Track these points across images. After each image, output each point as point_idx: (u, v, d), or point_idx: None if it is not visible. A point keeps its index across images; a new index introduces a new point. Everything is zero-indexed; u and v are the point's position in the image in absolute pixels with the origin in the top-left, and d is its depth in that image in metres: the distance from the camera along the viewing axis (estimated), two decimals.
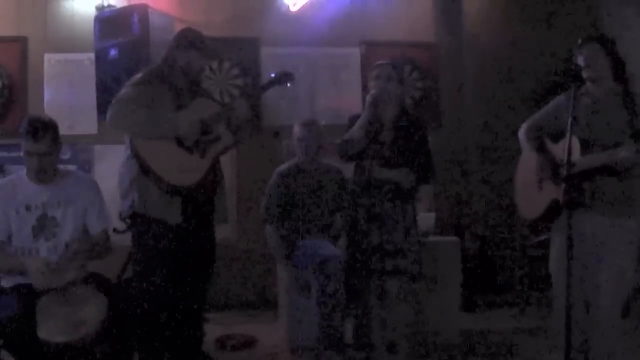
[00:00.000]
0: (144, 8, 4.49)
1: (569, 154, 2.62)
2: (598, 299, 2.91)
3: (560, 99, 3.13)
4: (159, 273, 3.20)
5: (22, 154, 2.95)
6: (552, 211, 3.00)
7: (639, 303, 4.34)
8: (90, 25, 4.81)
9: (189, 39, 3.36)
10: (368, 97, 3.51)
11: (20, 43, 5.23)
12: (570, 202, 2.61)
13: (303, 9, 5.51)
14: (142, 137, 3.15)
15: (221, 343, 4.18)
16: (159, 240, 3.22)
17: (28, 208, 2.96)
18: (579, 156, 2.82)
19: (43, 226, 2.97)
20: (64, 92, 5.28)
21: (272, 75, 3.52)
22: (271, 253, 4.23)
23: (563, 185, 2.62)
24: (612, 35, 3.19)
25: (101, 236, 3.11)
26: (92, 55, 4.80)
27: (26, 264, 2.86)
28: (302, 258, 3.94)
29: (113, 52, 4.54)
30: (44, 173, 2.96)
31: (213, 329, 4.18)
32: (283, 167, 4.27)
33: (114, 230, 3.46)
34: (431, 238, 4.40)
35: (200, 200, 3.30)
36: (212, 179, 3.36)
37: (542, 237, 3.25)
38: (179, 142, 3.19)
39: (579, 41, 3.01)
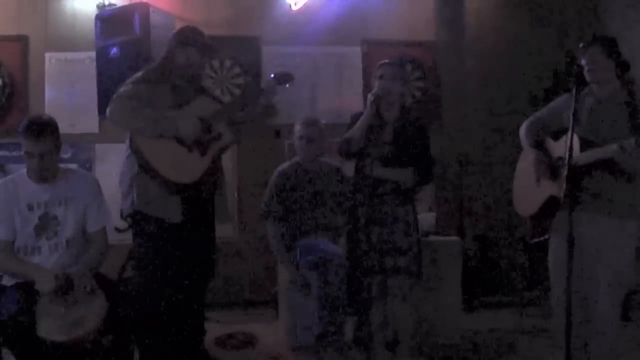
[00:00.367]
0: (145, 6, 4.49)
1: (571, 151, 2.63)
2: (597, 299, 2.91)
3: (563, 98, 3.14)
4: (159, 271, 3.20)
5: (22, 153, 2.95)
6: (549, 207, 3.01)
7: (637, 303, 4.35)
8: (91, 24, 4.81)
9: (188, 37, 3.36)
10: (370, 96, 3.51)
11: (21, 42, 5.23)
12: (571, 198, 2.61)
13: (304, 8, 5.51)
14: (143, 135, 3.15)
15: (221, 342, 4.18)
16: (160, 239, 3.22)
17: (30, 207, 2.96)
18: (578, 153, 2.83)
19: (45, 225, 2.97)
20: (65, 91, 5.27)
21: (272, 75, 3.54)
22: (272, 251, 4.23)
23: (563, 182, 2.62)
24: (614, 35, 3.20)
25: (99, 234, 3.10)
26: (93, 54, 4.80)
27: (35, 275, 2.84)
28: (302, 257, 3.94)
29: (114, 51, 4.53)
30: (45, 173, 2.95)
31: (213, 328, 4.18)
32: (284, 165, 4.27)
33: (115, 229, 3.47)
34: (432, 238, 4.40)
35: (200, 199, 3.30)
36: (213, 177, 3.36)
37: (543, 237, 3.25)
38: (180, 140, 3.19)
39: (582, 44, 3.02)
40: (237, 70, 5.45)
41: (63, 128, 3.05)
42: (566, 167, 2.63)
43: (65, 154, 5.09)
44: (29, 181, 2.99)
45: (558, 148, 3.05)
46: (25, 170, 3.02)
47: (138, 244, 3.31)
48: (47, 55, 5.27)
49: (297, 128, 4.20)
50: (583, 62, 2.99)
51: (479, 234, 5.63)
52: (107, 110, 3.18)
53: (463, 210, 5.44)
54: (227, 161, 4.46)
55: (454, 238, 4.64)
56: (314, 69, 5.60)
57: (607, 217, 2.90)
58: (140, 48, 4.38)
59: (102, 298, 2.85)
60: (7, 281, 2.95)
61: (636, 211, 2.96)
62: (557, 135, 3.12)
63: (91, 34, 4.78)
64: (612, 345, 2.92)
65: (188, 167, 3.21)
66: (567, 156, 2.64)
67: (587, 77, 2.95)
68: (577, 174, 2.80)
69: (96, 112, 4.88)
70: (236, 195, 5.34)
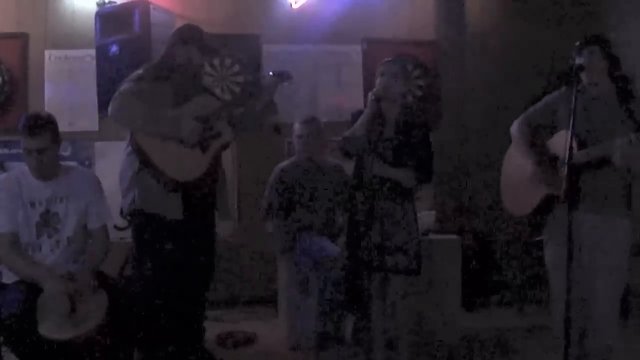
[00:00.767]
0: (145, 4, 4.48)
1: (571, 150, 2.63)
2: (594, 297, 2.91)
3: (554, 96, 3.14)
4: (159, 269, 3.20)
5: (22, 150, 2.95)
6: (546, 206, 3.01)
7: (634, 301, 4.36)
8: (91, 21, 4.81)
9: (189, 36, 3.36)
10: (370, 94, 3.51)
11: (21, 39, 5.23)
12: (571, 197, 2.61)
13: (304, 6, 5.51)
14: (144, 133, 3.15)
15: (221, 340, 4.18)
16: (160, 237, 3.22)
17: (32, 205, 2.96)
18: (576, 151, 2.83)
19: (46, 223, 2.97)
20: (65, 88, 5.27)
21: (270, 74, 3.55)
22: (272, 250, 4.23)
23: (562, 181, 2.62)
24: (614, 35, 3.20)
25: (100, 232, 3.10)
26: (92, 52, 4.80)
27: (42, 278, 2.82)
28: (302, 255, 3.94)
29: (114, 49, 4.53)
30: (44, 170, 2.95)
31: (213, 326, 4.18)
32: (284, 164, 4.27)
33: (115, 227, 3.47)
34: (431, 236, 4.40)
35: (200, 196, 3.30)
36: (213, 175, 3.37)
37: (542, 237, 3.25)
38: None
39: (578, 42, 3.02)
40: (237, 68, 5.45)
41: (63, 126, 3.05)
42: (566, 167, 2.63)
43: (65, 152, 5.09)
44: (31, 178, 2.98)
45: (552, 146, 3.04)
46: (27, 167, 3.01)
47: (138, 241, 3.32)
48: (47, 52, 5.27)
49: (296, 126, 4.20)
50: (579, 60, 2.99)
51: (478, 233, 5.63)
52: (109, 108, 3.18)
53: (463, 209, 5.44)
54: (227, 159, 4.46)
55: (454, 236, 4.64)
56: (314, 68, 5.60)
57: (602, 215, 2.91)
58: (140, 46, 4.38)
59: (104, 296, 2.85)
60: (8, 279, 2.95)
61: (628, 208, 2.97)
62: (549, 131, 3.12)
63: (91, 32, 4.77)
64: (611, 343, 2.93)
65: (189, 165, 3.21)
66: (566, 155, 2.64)
67: (583, 75, 2.96)
68: (576, 173, 2.81)
69: (96, 110, 4.88)
70: (236, 193, 5.34)
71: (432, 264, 4.09)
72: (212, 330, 4.02)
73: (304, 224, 4.11)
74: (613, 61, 3.00)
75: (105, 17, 4.68)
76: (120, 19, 4.56)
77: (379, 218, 3.46)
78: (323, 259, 3.81)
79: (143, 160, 3.15)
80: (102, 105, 4.54)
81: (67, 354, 2.71)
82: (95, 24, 4.70)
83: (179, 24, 4.29)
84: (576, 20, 5.67)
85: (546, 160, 3.07)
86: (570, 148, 2.64)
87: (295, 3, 5.51)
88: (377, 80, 3.55)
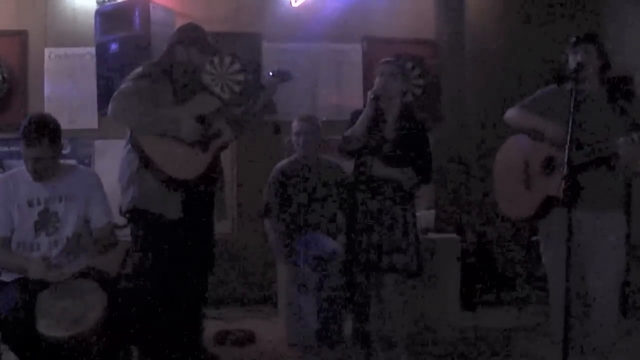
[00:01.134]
0: (145, 2, 4.48)
1: (569, 150, 2.63)
2: (591, 295, 2.92)
3: (548, 91, 3.13)
4: (158, 268, 3.21)
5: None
6: (546, 209, 3.00)
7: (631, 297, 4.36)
8: (91, 19, 4.81)
9: (190, 36, 3.36)
10: (369, 94, 3.52)
11: (20, 37, 5.22)
12: (570, 197, 2.61)
13: (304, 5, 5.50)
14: (144, 132, 3.15)
15: (220, 338, 4.18)
16: (159, 235, 3.22)
17: (30, 203, 2.95)
18: (574, 151, 2.82)
19: (45, 221, 2.96)
20: (65, 86, 5.26)
21: (270, 73, 3.55)
22: (270, 249, 4.23)
23: (562, 182, 2.62)
24: (614, 34, 3.20)
25: (106, 230, 3.09)
26: (92, 50, 4.80)
27: (26, 263, 2.83)
28: (301, 254, 3.94)
29: (114, 47, 4.53)
30: (40, 175, 2.93)
31: (212, 325, 4.19)
32: (283, 162, 4.27)
33: (114, 225, 3.46)
34: (431, 235, 4.40)
35: (199, 195, 3.30)
36: (212, 174, 3.37)
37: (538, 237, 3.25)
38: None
39: (572, 40, 3.02)
40: (237, 66, 5.44)
41: (62, 124, 3.03)
42: (565, 166, 2.63)
43: (65, 150, 5.00)
44: (29, 177, 2.97)
45: (546, 147, 3.02)
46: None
47: (137, 240, 3.31)
48: (47, 50, 5.26)
49: (295, 124, 4.20)
50: (573, 58, 2.99)
51: (477, 232, 5.63)
52: (109, 108, 3.18)
53: (462, 208, 5.44)
54: (227, 158, 4.46)
55: (453, 236, 4.65)
56: (314, 66, 5.59)
57: (598, 212, 2.91)
58: (140, 44, 4.38)
59: (102, 294, 2.85)
60: (6, 277, 2.95)
61: (623, 204, 2.98)
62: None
63: (91, 30, 4.77)
64: (610, 341, 2.93)
65: (189, 163, 3.21)
66: (566, 155, 2.63)
67: (578, 73, 2.95)
68: (575, 171, 2.81)
69: (96, 108, 4.88)
70: (235, 192, 5.34)
71: (431, 263, 4.09)
72: (211, 328, 4.03)
73: (303, 222, 4.11)
74: (605, 60, 3.01)
75: (105, 15, 4.68)
76: (120, 17, 4.56)
77: (378, 217, 3.46)
78: (322, 255, 3.81)
79: (142, 158, 3.15)
80: (102, 103, 4.54)
81: (65, 352, 2.71)
82: (95, 21, 4.70)
83: (179, 22, 4.30)
84: (575, 20, 5.66)
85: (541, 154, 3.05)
86: (570, 148, 2.64)
87: (295, 1, 5.50)
88: (376, 80, 3.55)
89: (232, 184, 5.19)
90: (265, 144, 5.29)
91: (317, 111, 5.02)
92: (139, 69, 3.29)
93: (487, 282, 5.39)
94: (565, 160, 2.63)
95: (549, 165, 2.99)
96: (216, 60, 5.37)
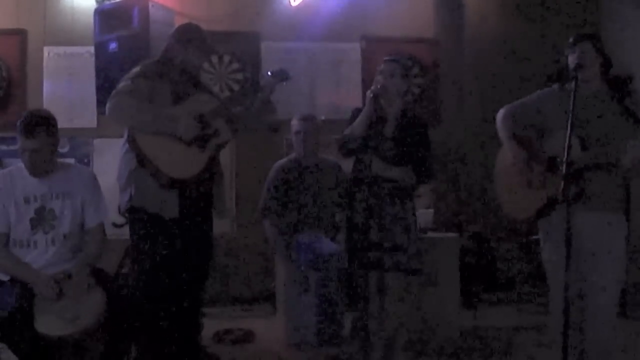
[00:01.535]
0: (144, 1, 4.47)
1: (569, 151, 2.62)
2: (592, 295, 2.91)
3: (544, 92, 3.12)
4: (156, 267, 3.20)
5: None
6: (548, 209, 2.99)
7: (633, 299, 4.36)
8: (90, 18, 4.80)
9: (188, 36, 3.36)
10: (368, 93, 3.51)
11: (19, 36, 5.22)
12: (572, 199, 2.61)
13: (303, 4, 5.50)
14: (141, 130, 3.15)
15: (219, 337, 4.18)
16: (157, 235, 3.22)
17: (27, 200, 2.96)
18: (580, 152, 2.82)
19: (41, 219, 2.96)
20: (64, 85, 5.26)
21: (269, 73, 3.55)
22: (269, 248, 4.23)
23: (562, 183, 2.61)
24: (613, 34, 3.19)
25: (97, 230, 3.09)
26: (91, 49, 4.79)
27: (34, 279, 2.83)
28: (300, 253, 3.94)
29: (113, 46, 4.52)
30: (37, 168, 2.94)
31: (211, 324, 4.19)
32: (282, 161, 4.27)
33: (113, 224, 3.46)
34: (430, 234, 4.40)
35: (197, 194, 3.30)
36: (211, 172, 3.36)
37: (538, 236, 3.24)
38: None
39: (571, 39, 3.02)
40: (236, 65, 5.44)
41: (61, 123, 3.04)
42: (564, 166, 2.62)
43: (63, 149, 5.09)
44: (26, 173, 2.98)
45: (551, 146, 3.02)
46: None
47: (135, 239, 3.31)
48: (46, 49, 5.26)
49: (294, 123, 4.20)
50: (572, 58, 2.98)
51: (477, 231, 5.63)
52: (107, 107, 3.18)
53: (461, 207, 5.44)
54: (225, 157, 4.45)
55: (452, 235, 4.64)
56: (313, 65, 5.59)
57: (599, 213, 2.91)
58: (139, 43, 4.36)
59: (101, 293, 2.84)
60: (4, 276, 2.94)
61: (624, 205, 2.97)
62: (538, 131, 3.10)
63: (90, 29, 4.76)
64: (609, 341, 2.93)
65: (186, 163, 3.21)
66: (565, 154, 2.63)
67: (577, 72, 2.94)
68: (580, 173, 2.81)
69: (95, 107, 4.88)
70: (234, 191, 5.34)
71: (430, 262, 4.09)
72: (209, 327, 4.02)
73: (302, 221, 4.11)
74: (605, 58, 3.00)
75: (104, 14, 4.67)
76: (119, 16, 4.55)
77: (377, 217, 3.46)
78: (322, 256, 3.81)
79: (139, 157, 3.15)
80: (101, 102, 4.52)
81: (64, 351, 2.71)
82: (94, 20, 4.69)
83: (178, 21, 4.30)
84: (574, 18, 5.66)
85: (531, 155, 3.05)
86: (569, 147, 2.63)
87: (294, 1, 5.50)
88: (377, 78, 3.55)
89: (230, 183, 5.20)
90: (265, 144, 5.29)
91: (316, 110, 5.02)
92: (137, 68, 3.29)
93: (486, 281, 5.39)
94: (564, 159, 2.63)
95: (551, 165, 2.98)
96: (215, 59, 5.37)
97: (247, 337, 4.24)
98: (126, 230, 3.39)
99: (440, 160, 5.15)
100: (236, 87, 5.36)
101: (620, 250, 2.94)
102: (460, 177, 5.53)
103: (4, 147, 5.10)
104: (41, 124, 2.87)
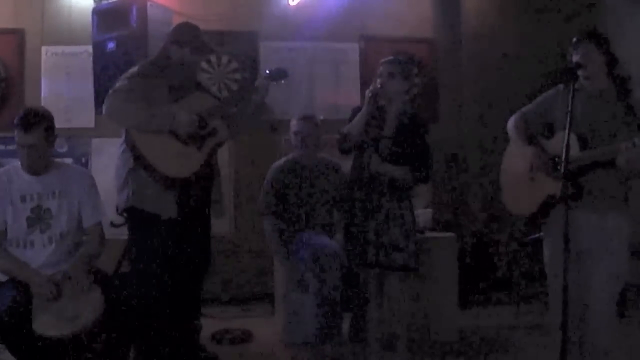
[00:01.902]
0: (142, 1, 4.46)
1: (567, 150, 2.62)
2: (592, 296, 2.91)
3: (550, 93, 3.12)
4: (154, 267, 3.20)
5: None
6: (548, 207, 3.00)
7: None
8: (88, 17, 4.79)
9: (185, 35, 3.36)
10: (367, 92, 3.52)
11: (17, 35, 5.21)
12: (570, 197, 2.61)
13: (302, 3, 5.50)
14: (139, 129, 3.14)
15: (218, 337, 4.18)
16: (154, 234, 3.22)
17: (23, 199, 2.95)
18: (578, 151, 2.82)
19: (38, 217, 2.96)
20: (61, 85, 5.25)
21: (267, 72, 3.55)
22: (268, 247, 4.22)
23: (562, 181, 2.61)
24: (612, 31, 3.19)
25: (95, 229, 3.09)
26: (89, 48, 4.77)
27: (31, 278, 2.83)
28: (299, 252, 3.94)
29: (111, 45, 4.51)
30: (34, 165, 2.94)
31: (209, 323, 4.18)
32: (280, 161, 4.26)
33: (111, 223, 3.46)
34: (428, 234, 4.40)
35: (195, 194, 3.30)
36: (208, 172, 3.36)
37: (539, 234, 3.24)
38: (176, 134, 3.19)
39: (574, 39, 3.01)
40: (234, 65, 5.43)
41: (59, 122, 3.05)
42: (563, 165, 2.62)
43: (61, 149, 5.09)
44: (23, 173, 2.97)
45: (553, 146, 3.03)
46: (20, 162, 3.00)
47: (133, 239, 3.31)
48: (44, 48, 5.25)
49: (293, 123, 4.20)
50: (575, 57, 2.98)
51: (475, 231, 5.64)
52: (104, 106, 3.18)
53: (459, 207, 5.44)
54: (223, 156, 4.45)
55: (450, 234, 4.64)
56: (311, 65, 5.59)
57: (601, 214, 2.91)
58: (137, 42, 4.35)
59: (99, 293, 2.84)
60: (3, 276, 2.94)
61: (627, 206, 2.97)
62: (547, 131, 3.10)
63: (88, 28, 4.75)
64: (608, 342, 2.92)
65: (184, 162, 3.21)
66: (563, 153, 2.63)
67: (579, 72, 2.95)
68: (578, 173, 2.80)
69: (92, 107, 4.85)
70: (232, 191, 5.33)
71: (428, 261, 4.09)
72: (208, 327, 4.02)
73: (301, 221, 4.10)
74: (610, 57, 2.99)
75: (102, 14, 4.66)
76: (117, 15, 4.54)
77: (376, 215, 3.46)
78: (320, 254, 3.81)
79: (137, 157, 3.14)
80: (99, 102, 4.50)
81: (63, 351, 2.70)
82: (92, 20, 4.68)
83: (176, 20, 4.29)
84: (575, 19, 5.66)
85: (545, 157, 3.05)
86: (568, 146, 2.63)
87: (293, 0, 5.49)
88: (376, 78, 3.55)
89: (229, 183, 5.19)
90: (263, 143, 5.29)
91: (315, 110, 5.01)
92: (134, 68, 3.29)
93: (484, 280, 5.39)
94: (563, 159, 2.63)
95: (554, 163, 2.99)
96: (213, 59, 5.36)
97: (245, 337, 4.24)
98: (124, 230, 3.39)
99: (437, 160, 5.15)
100: (235, 87, 5.35)
101: (621, 250, 2.93)
102: (458, 176, 5.52)
103: (1, 147, 5.09)
104: (38, 120, 2.89)
